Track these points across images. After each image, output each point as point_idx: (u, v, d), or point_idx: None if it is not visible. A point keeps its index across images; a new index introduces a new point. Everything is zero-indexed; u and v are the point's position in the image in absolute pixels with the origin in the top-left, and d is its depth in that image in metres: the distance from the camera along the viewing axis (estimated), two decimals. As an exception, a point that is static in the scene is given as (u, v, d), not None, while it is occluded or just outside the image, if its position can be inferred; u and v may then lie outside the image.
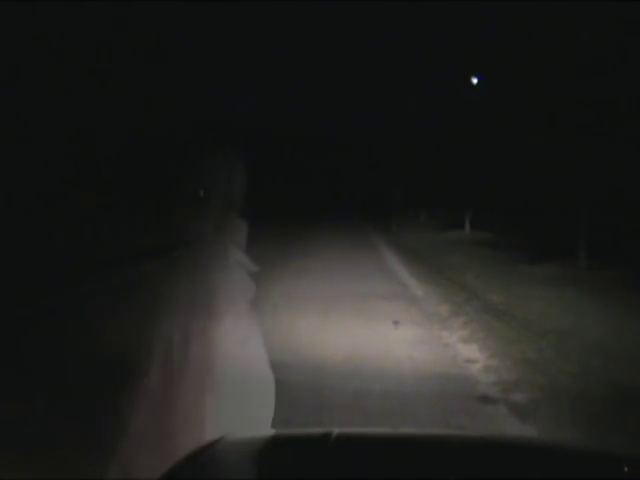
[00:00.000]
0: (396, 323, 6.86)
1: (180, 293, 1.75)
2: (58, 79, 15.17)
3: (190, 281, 1.69)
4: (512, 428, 3.95)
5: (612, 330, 6.39)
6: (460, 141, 20.44)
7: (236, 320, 1.72)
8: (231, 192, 2.00)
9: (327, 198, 40.06)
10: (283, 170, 37.78)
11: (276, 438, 1.71)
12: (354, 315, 7.21)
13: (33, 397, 3.84)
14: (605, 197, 12.14)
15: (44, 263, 11.10)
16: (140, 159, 17.64)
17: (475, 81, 19.83)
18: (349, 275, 10.34)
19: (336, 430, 1.61)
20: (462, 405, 4.35)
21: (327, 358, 5.30)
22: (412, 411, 4.15)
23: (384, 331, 6.53)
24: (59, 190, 15.43)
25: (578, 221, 11.68)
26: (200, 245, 1.81)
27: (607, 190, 12.07)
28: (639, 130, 10.88)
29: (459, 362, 5.53)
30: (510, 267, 11.52)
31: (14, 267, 10.12)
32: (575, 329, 6.43)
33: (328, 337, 6.18)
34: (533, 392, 4.59)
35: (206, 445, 1.51)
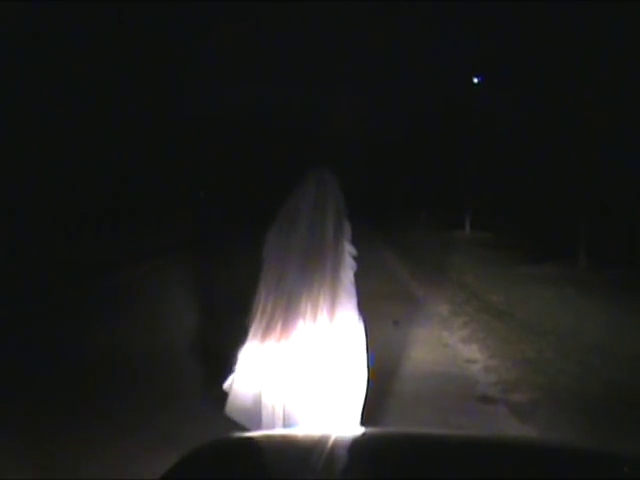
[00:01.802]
0: (396, 323, 6.85)
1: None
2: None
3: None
4: (512, 428, 3.94)
5: (612, 330, 6.38)
6: (461, 141, 20.45)
7: (349, 271, 3.24)
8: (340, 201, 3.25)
9: None
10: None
11: (276, 438, 1.70)
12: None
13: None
14: (605, 197, 12.14)
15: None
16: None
17: (476, 80, 19.83)
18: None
19: (336, 430, 1.61)
20: (462, 405, 4.35)
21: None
22: (412, 411, 4.15)
23: (384, 331, 6.52)
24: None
25: (578, 221, 11.69)
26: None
27: (607, 191, 12.08)
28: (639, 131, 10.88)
29: (459, 362, 5.53)
30: (510, 267, 11.51)
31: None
32: (575, 329, 6.42)
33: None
34: (533, 392, 4.59)
35: (206, 445, 1.50)
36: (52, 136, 14.86)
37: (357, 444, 1.65)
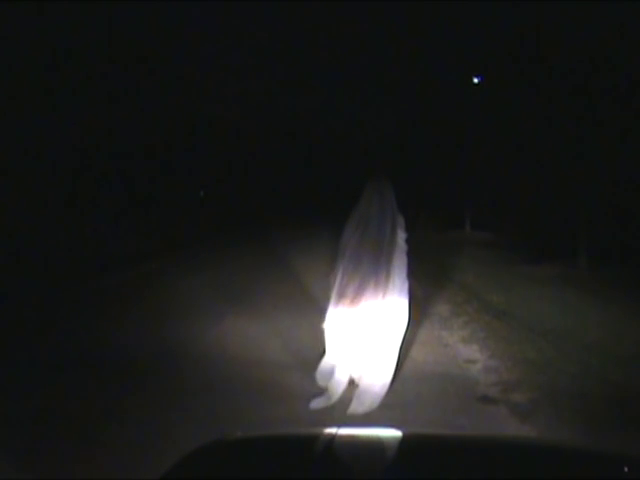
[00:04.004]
0: (396, 323, 6.85)
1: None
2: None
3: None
4: (512, 428, 3.94)
5: (612, 330, 6.38)
6: (461, 141, 20.45)
7: (403, 255, 4.36)
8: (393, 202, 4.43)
9: (323, 196, 39.70)
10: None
11: (275, 438, 1.70)
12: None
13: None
14: (605, 197, 12.14)
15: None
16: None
17: (476, 81, 19.82)
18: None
19: (336, 430, 1.61)
20: (462, 405, 4.35)
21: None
22: (412, 411, 4.15)
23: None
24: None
25: (578, 221, 11.68)
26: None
27: (607, 190, 12.08)
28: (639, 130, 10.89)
29: (459, 362, 5.53)
30: (510, 267, 11.51)
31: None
32: (575, 329, 6.42)
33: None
34: (533, 392, 4.59)
35: (206, 445, 1.51)
36: (53, 136, 14.88)
37: (357, 444, 1.65)
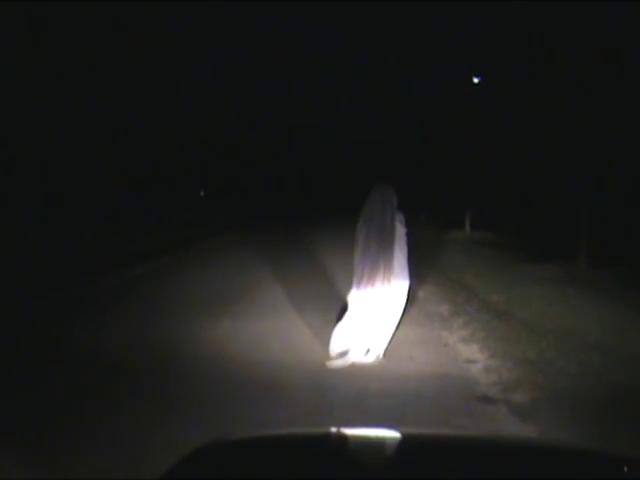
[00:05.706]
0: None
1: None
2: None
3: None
4: (512, 428, 3.94)
5: (612, 330, 6.37)
6: (460, 141, 20.44)
7: (403, 244, 5.33)
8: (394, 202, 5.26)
9: (325, 198, 39.66)
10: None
11: (275, 438, 1.70)
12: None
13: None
14: (605, 197, 12.14)
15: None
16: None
17: (476, 80, 19.81)
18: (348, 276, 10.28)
19: (336, 430, 1.61)
20: (462, 405, 4.35)
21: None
22: (412, 411, 4.14)
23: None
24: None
25: (578, 221, 11.67)
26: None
27: (607, 190, 12.08)
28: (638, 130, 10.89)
29: (459, 362, 5.52)
30: (510, 267, 11.50)
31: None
32: (576, 329, 6.41)
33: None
34: (533, 392, 4.58)
35: (205, 445, 1.50)
36: (55, 136, 14.88)
37: (357, 444, 1.65)
